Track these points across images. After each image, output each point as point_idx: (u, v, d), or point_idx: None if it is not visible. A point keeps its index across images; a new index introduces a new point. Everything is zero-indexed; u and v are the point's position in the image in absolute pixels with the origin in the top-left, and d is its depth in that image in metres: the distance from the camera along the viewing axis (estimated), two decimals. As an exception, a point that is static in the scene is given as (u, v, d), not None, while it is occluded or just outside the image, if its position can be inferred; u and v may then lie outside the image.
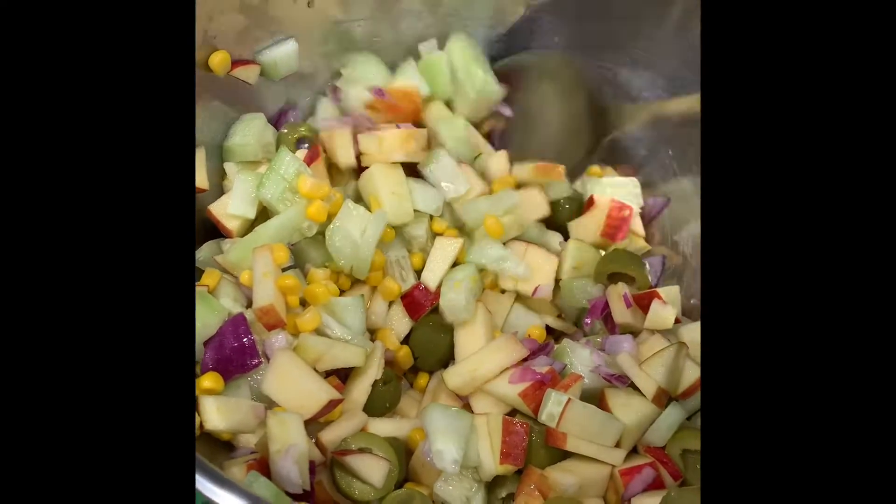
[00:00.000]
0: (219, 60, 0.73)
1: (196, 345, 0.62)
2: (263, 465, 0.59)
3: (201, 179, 0.74)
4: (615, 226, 0.78)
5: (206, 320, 0.63)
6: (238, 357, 0.62)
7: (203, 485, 0.46)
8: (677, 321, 0.74)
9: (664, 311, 0.73)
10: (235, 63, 0.75)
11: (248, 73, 0.77)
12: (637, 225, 0.84)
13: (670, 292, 0.75)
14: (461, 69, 0.82)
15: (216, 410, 0.59)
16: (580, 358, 0.70)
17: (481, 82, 0.81)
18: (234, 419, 0.60)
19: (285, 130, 0.80)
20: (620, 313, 0.75)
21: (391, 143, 0.75)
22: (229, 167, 0.78)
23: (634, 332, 0.75)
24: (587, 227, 0.81)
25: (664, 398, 0.66)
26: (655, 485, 0.64)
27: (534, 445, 0.64)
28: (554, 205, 0.82)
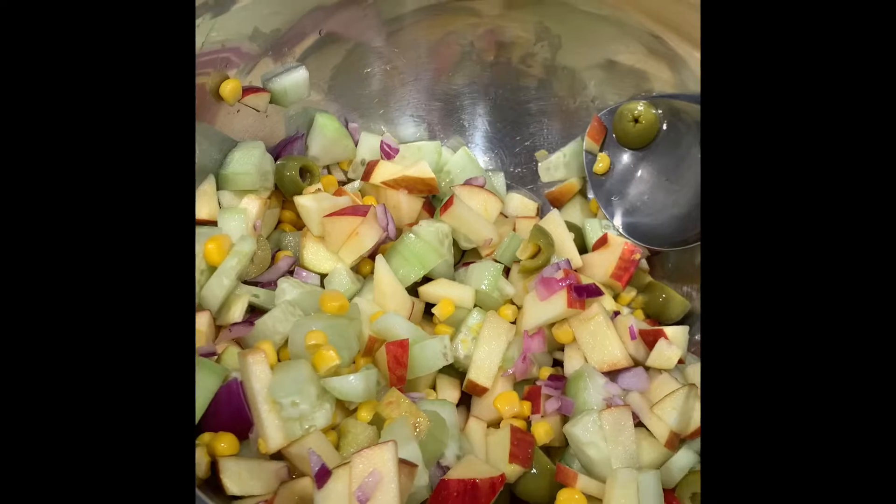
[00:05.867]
0: (230, 89, 0.71)
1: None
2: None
3: (211, 210, 0.72)
4: (625, 268, 0.78)
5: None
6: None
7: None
8: (681, 362, 0.74)
9: (669, 350, 0.72)
10: (246, 91, 0.74)
11: (257, 101, 0.76)
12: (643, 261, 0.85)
13: (678, 332, 0.74)
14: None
15: (238, 477, 0.56)
16: (595, 385, 0.70)
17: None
18: (256, 486, 0.56)
19: (283, 161, 0.78)
20: None
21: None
22: (224, 196, 0.74)
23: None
24: (597, 265, 0.80)
25: (676, 442, 0.67)
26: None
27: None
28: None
